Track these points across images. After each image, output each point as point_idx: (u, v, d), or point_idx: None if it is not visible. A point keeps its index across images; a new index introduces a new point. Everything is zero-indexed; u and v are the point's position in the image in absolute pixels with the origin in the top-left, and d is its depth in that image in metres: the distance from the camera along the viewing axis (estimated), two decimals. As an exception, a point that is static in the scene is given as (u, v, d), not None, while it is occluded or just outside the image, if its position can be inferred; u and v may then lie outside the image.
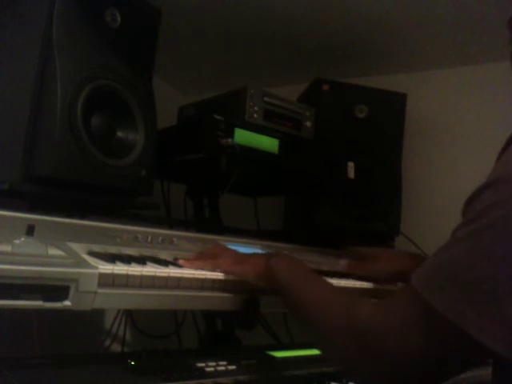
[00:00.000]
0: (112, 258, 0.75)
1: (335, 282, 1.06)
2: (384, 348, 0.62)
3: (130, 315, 1.44)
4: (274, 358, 1.03)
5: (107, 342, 1.48)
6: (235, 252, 0.95)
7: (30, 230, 0.73)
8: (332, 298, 0.75)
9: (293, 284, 0.80)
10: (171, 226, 1.34)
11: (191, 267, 0.86)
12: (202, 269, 0.87)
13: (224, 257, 0.91)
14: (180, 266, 0.85)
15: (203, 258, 0.92)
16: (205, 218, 1.46)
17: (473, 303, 0.56)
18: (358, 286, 1.10)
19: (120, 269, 0.72)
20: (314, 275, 0.83)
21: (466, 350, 0.59)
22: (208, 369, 0.87)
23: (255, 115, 1.28)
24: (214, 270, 0.88)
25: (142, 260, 0.80)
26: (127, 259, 0.77)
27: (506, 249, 0.56)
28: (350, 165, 1.44)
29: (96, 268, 0.68)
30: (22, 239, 0.69)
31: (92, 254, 0.77)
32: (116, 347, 1.48)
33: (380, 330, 0.63)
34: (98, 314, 1.52)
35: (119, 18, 1.07)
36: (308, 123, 1.40)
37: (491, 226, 0.57)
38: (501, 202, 0.57)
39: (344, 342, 0.67)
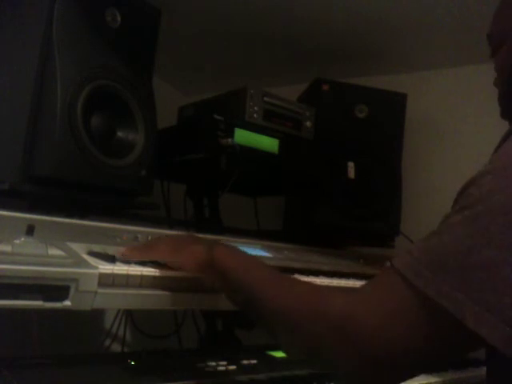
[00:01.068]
0: (112, 258, 0.75)
1: (335, 282, 1.06)
2: (367, 339, 0.58)
3: (130, 315, 1.44)
4: (274, 358, 1.03)
5: (107, 342, 1.48)
6: (171, 241, 0.84)
7: (30, 230, 0.73)
8: (300, 288, 0.69)
9: (247, 277, 0.72)
10: (171, 226, 1.34)
11: (125, 258, 0.78)
12: (129, 261, 0.78)
13: (158, 247, 0.82)
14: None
15: (139, 250, 0.82)
16: (205, 218, 1.46)
17: (470, 290, 0.53)
18: (358, 286, 1.09)
19: (120, 269, 0.72)
20: (270, 267, 0.75)
21: (460, 339, 0.56)
22: (208, 369, 0.87)
23: (255, 115, 1.28)
24: (149, 259, 0.80)
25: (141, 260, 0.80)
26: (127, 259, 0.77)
27: (505, 235, 0.54)
28: (350, 165, 1.44)
29: (96, 268, 0.68)
30: (22, 239, 0.69)
31: (92, 253, 0.76)
32: (116, 347, 1.48)
33: (362, 319, 0.59)
34: (98, 314, 1.52)
35: (119, 18, 1.07)
36: (308, 123, 1.40)
37: (490, 212, 0.55)
38: (501, 187, 0.56)
39: (320, 335, 0.61)
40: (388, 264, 1.26)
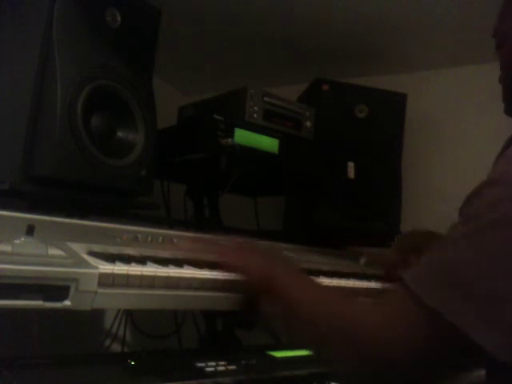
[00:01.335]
0: (112, 258, 0.75)
1: (335, 282, 1.06)
2: (367, 339, 0.60)
3: (130, 315, 1.44)
4: (274, 357, 1.03)
5: (107, 342, 1.48)
6: (236, 248, 0.91)
7: (30, 230, 0.73)
8: (323, 298, 0.73)
9: (288, 288, 0.77)
10: (171, 226, 1.34)
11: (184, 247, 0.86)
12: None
13: (231, 253, 0.89)
14: (181, 266, 0.84)
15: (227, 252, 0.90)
16: (205, 218, 1.46)
17: (471, 303, 0.55)
18: (357, 285, 1.09)
19: (120, 269, 0.72)
20: (307, 278, 0.82)
21: (463, 350, 0.57)
22: (208, 369, 0.87)
23: (255, 115, 1.28)
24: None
25: (142, 260, 0.80)
26: (127, 259, 0.77)
27: (507, 248, 0.55)
28: (350, 165, 1.44)
29: (96, 268, 0.68)
30: (22, 239, 0.69)
31: (92, 253, 0.76)
32: (116, 347, 1.48)
33: (362, 319, 0.62)
34: (98, 314, 1.52)
35: (119, 18, 1.07)
36: (308, 123, 1.40)
37: (492, 225, 0.56)
38: (503, 200, 0.56)
39: (335, 342, 0.65)
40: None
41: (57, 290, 0.63)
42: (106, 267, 0.70)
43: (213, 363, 0.90)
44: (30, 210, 0.94)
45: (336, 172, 1.43)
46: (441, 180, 1.66)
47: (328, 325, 0.66)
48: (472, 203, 0.60)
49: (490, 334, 0.53)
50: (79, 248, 0.77)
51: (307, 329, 0.71)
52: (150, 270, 0.76)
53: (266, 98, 1.30)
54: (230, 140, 1.17)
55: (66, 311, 0.64)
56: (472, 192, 0.61)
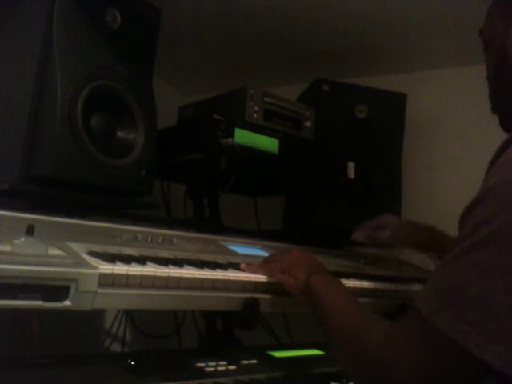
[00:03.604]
0: (112, 258, 0.75)
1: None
2: (388, 370, 0.63)
3: (130, 315, 1.44)
4: (274, 357, 1.03)
5: (107, 342, 1.48)
6: (284, 261, 0.97)
7: (30, 230, 0.73)
8: (347, 321, 0.77)
9: (322, 304, 0.83)
10: (171, 226, 1.34)
11: (249, 272, 0.93)
12: (256, 273, 0.93)
13: (274, 264, 0.95)
14: (181, 266, 0.84)
15: (263, 264, 0.97)
16: (205, 218, 1.46)
17: (471, 320, 0.56)
18: (358, 285, 1.09)
19: (120, 269, 0.72)
20: (342, 297, 0.85)
21: (469, 367, 0.58)
22: (208, 369, 0.87)
23: (255, 115, 1.28)
24: (265, 275, 0.93)
25: (142, 260, 0.80)
26: (127, 259, 0.77)
27: (500, 263, 0.56)
28: (350, 165, 1.44)
29: (96, 268, 0.68)
30: (22, 239, 0.69)
31: (92, 253, 0.76)
32: (116, 347, 1.48)
33: (385, 355, 0.64)
34: (98, 314, 1.52)
35: (119, 18, 1.07)
36: (308, 123, 1.40)
37: (484, 242, 0.58)
38: (492, 216, 0.58)
39: (353, 363, 0.72)
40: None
41: (57, 290, 0.63)
42: (105, 267, 0.70)
43: (213, 363, 0.90)
44: (30, 210, 0.94)
45: (336, 172, 1.43)
46: (441, 180, 1.66)
47: (341, 336, 0.74)
48: (466, 222, 0.62)
49: (498, 353, 0.54)
50: (79, 248, 0.77)
51: (328, 335, 0.79)
52: (150, 270, 0.76)
53: (265, 98, 1.30)
54: (230, 140, 1.17)
55: (65, 311, 0.64)
56: (465, 210, 0.63)
